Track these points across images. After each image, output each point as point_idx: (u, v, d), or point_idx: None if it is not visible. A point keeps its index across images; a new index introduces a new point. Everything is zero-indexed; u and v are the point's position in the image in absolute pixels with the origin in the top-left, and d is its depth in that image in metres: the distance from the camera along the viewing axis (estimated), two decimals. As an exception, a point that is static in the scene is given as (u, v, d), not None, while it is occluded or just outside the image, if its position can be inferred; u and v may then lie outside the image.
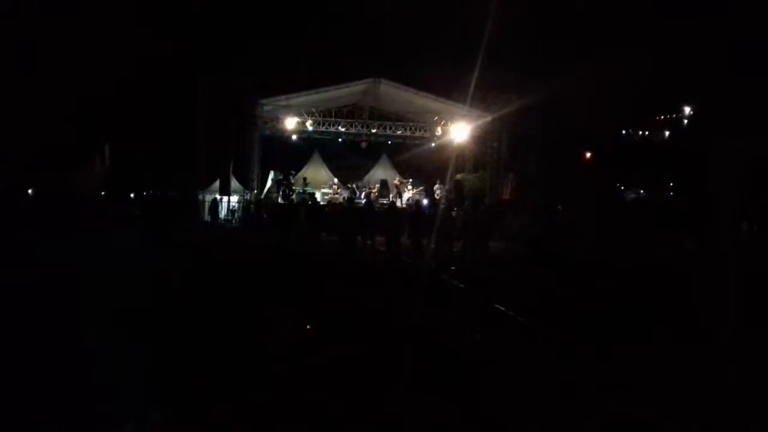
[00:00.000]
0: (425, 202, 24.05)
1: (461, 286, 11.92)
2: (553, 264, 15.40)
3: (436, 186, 27.35)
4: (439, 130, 28.20)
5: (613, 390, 5.49)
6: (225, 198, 27.40)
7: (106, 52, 26.22)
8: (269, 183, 28.34)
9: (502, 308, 9.30)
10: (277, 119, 26.85)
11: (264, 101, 26.26)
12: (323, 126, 27.71)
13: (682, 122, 56.24)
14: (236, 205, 28.03)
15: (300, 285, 10.80)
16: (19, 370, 1.53)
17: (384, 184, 29.35)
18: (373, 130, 28.14)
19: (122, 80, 28.18)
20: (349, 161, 31.64)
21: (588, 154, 43.10)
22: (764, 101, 27.07)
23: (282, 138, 27.93)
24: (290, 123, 26.66)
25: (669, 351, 6.88)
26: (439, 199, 25.31)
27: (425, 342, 7.09)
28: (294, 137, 28.21)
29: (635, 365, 6.29)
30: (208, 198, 27.34)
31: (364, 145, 28.96)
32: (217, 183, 27.42)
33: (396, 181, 28.76)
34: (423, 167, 30.68)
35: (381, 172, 31.95)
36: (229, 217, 27.63)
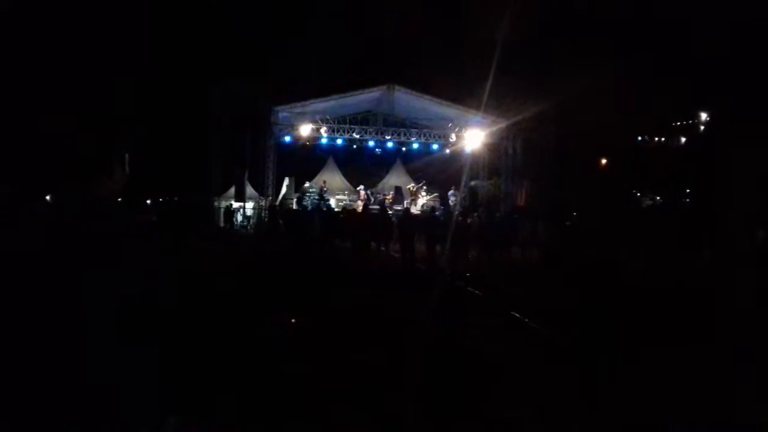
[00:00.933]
0: (440, 208, 23.99)
1: (476, 292, 11.89)
2: (567, 271, 15.32)
3: (451, 192, 27.28)
4: (453, 137, 28.23)
5: (629, 396, 5.46)
6: (240, 204, 27.58)
7: (122, 60, 26.52)
8: (284, 189, 28.47)
9: (518, 315, 9.27)
10: (292, 126, 26.99)
11: (279, 108, 26.42)
12: (338, 133, 27.84)
13: (699, 128, 55.73)
14: (251, 211, 28.19)
15: (313, 291, 10.83)
16: (32, 373, 1.55)
17: (398, 190, 29.36)
18: (387, 137, 28.21)
19: (140, 87, 28.54)
20: (363, 167, 31.65)
21: (603, 161, 42.86)
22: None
23: (297, 145, 28.04)
24: (305, 130, 26.81)
25: (677, 356, 6.81)
26: (454, 206, 25.24)
27: (438, 347, 7.09)
28: (308, 143, 28.31)
29: (647, 373, 6.24)
30: (224, 204, 27.55)
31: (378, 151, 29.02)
32: (233, 189, 27.64)
33: (410, 187, 28.71)
34: (437, 174, 30.65)
35: (395, 178, 31.98)
36: (245, 224, 27.80)
